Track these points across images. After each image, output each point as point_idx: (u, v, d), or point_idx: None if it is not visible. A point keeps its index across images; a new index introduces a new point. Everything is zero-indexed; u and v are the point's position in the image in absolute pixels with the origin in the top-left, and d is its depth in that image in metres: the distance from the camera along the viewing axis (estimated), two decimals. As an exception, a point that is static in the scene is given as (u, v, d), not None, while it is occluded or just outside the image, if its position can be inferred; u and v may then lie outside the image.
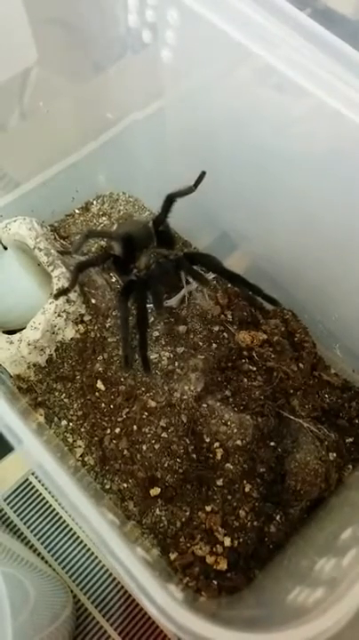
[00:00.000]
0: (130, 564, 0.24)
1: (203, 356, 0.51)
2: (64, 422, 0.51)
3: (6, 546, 0.48)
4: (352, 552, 0.27)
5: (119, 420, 0.50)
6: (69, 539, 0.51)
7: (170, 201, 0.51)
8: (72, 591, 0.49)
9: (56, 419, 0.51)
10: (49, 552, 0.50)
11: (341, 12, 0.84)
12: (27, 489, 0.53)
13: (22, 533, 0.51)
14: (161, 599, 0.22)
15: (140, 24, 0.51)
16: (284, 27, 0.41)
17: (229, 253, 0.62)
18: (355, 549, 0.27)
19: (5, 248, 0.55)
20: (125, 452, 0.48)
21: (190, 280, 0.52)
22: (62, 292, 0.50)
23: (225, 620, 0.24)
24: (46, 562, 0.50)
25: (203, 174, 0.52)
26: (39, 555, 0.50)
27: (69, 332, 0.52)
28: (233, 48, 0.43)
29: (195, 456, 0.48)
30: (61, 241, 0.60)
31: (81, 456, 0.50)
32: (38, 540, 0.51)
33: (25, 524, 0.52)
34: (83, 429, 0.50)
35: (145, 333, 0.47)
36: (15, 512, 0.52)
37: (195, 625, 0.22)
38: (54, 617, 0.44)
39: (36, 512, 0.52)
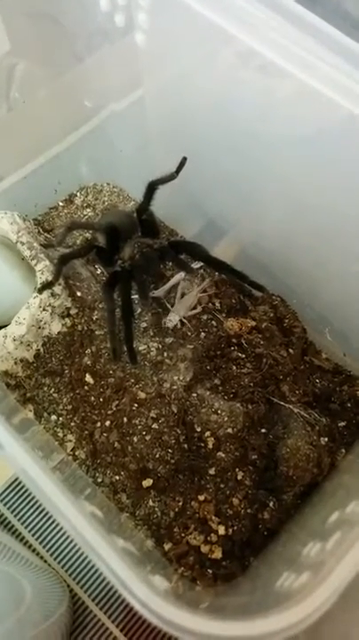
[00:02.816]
0: (108, 557, 0.23)
1: (191, 346, 0.51)
2: (54, 417, 0.51)
3: (1, 542, 0.48)
4: (337, 535, 0.26)
5: (109, 412, 0.49)
6: (64, 533, 0.51)
7: (151, 188, 0.50)
8: (69, 586, 0.49)
9: (45, 414, 0.51)
10: (44, 547, 0.50)
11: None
12: (21, 485, 0.53)
13: (17, 530, 0.51)
14: (140, 592, 0.22)
15: (112, 8, 0.50)
16: (265, 8, 0.40)
17: (217, 241, 0.62)
18: (340, 532, 0.26)
19: (-12, 244, 0.54)
20: (116, 444, 0.48)
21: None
22: (46, 286, 0.49)
23: (214, 610, 0.24)
24: (42, 557, 0.50)
25: (184, 160, 0.51)
26: (34, 550, 0.50)
27: (56, 326, 0.52)
28: (211, 31, 0.42)
29: (186, 446, 0.47)
30: (45, 234, 0.59)
31: (72, 450, 0.49)
32: (33, 535, 0.51)
33: (19, 520, 0.51)
34: (73, 423, 0.50)
35: (130, 325, 0.47)
36: (9, 509, 0.52)
37: (175, 616, 0.21)
38: (50, 613, 0.43)
39: (30, 508, 0.52)
